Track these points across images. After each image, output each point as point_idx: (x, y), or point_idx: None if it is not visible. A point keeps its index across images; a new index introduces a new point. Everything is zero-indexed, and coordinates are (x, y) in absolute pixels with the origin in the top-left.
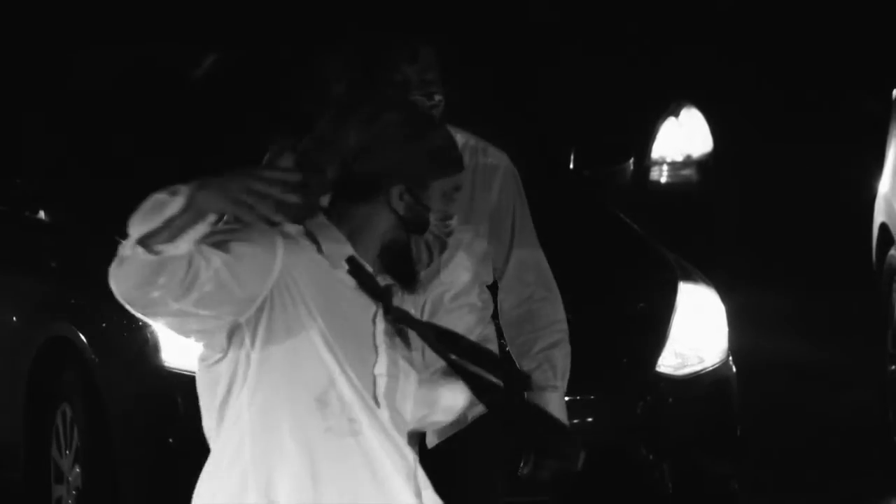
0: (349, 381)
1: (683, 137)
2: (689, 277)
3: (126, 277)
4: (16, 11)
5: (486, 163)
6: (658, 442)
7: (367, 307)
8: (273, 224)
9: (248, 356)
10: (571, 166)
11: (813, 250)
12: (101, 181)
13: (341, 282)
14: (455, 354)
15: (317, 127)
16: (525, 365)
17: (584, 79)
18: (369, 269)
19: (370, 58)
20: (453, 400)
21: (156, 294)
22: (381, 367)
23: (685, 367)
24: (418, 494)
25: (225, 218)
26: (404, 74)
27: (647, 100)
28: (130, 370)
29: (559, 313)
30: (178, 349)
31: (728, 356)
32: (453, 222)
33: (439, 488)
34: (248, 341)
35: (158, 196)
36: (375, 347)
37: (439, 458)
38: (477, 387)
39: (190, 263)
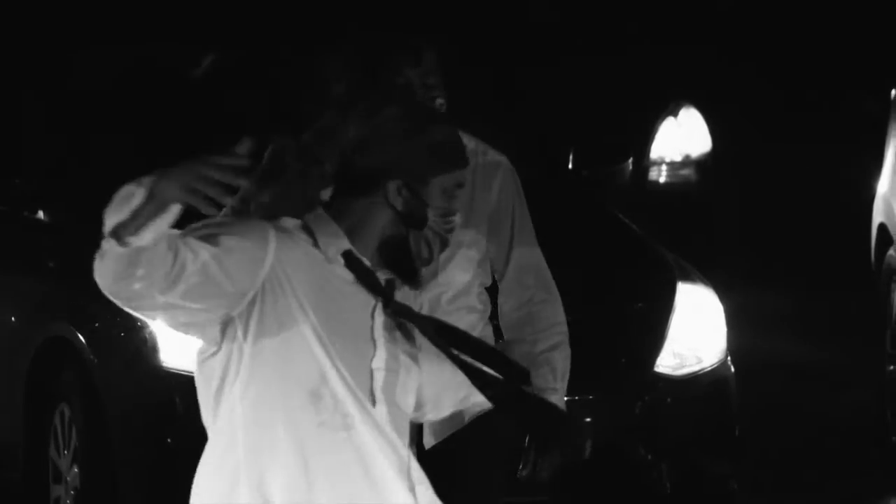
0: (341, 377)
1: (682, 137)
2: (687, 277)
3: (105, 271)
4: (16, 11)
5: (486, 163)
6: (656, 442)
7: (365, 301)
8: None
9: (240, 350)
10: (570, 166)
11: (812, 250)
12: (100, 181)
13: (338, 276)
14: (455, 349)
15: (318, 122)
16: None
17: (584, 79)
18: (367, 263)
19: (372, 60)
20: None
21: (137, 286)
22: (378, 362)
23: (684, 367)
24: (412, 490)
25: (224, 211)
26: (406, 78)
27: (646, 100)
28: (129, 370)
29: (559, 315)
30: (176, 349)
31: (727, 356)
32: (455, 219)
33: (439, 488)
34: (240, 335)
35: (127, 187)
36: (374, 341)
37: (438, 458)
38: (479, 381)
39: (176, 256)
